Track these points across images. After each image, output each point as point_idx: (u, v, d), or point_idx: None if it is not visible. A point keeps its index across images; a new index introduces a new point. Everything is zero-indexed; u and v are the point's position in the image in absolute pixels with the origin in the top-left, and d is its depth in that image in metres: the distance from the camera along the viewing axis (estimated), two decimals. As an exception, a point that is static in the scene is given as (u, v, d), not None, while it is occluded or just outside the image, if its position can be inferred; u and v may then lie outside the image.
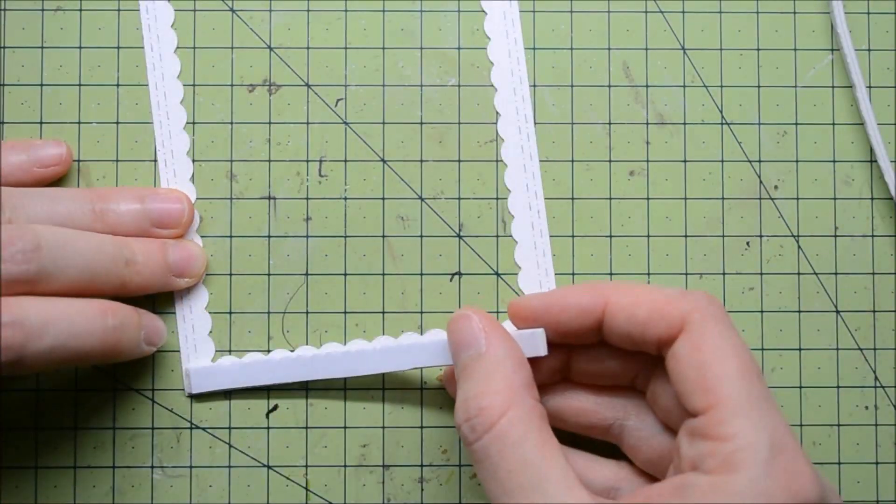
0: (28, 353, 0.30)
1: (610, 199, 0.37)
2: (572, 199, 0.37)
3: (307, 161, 0.37)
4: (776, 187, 0.38)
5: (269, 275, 0.37)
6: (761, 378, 0.28)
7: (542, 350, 0.32)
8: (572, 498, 0.27)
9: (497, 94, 0.37)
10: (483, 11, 0.38)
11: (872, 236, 0.38)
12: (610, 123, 0.38)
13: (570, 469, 0.28)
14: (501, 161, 0.37)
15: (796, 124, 0.38)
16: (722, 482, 0.26)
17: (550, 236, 0.37)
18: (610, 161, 0.38)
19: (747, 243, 0.37)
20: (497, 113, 0.37)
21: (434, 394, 0.37)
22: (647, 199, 0.37)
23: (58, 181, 0.36)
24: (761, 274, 0.37)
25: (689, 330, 0.29)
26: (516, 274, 0.37)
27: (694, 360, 0.28)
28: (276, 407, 0.37)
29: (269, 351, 0.37)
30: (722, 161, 0.38)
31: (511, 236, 0.37)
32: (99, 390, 0.36)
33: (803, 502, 0.26)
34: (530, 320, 0.32)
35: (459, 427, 0.29)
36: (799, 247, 0.38)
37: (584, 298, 0.31)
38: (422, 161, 0.37)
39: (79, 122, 0.37)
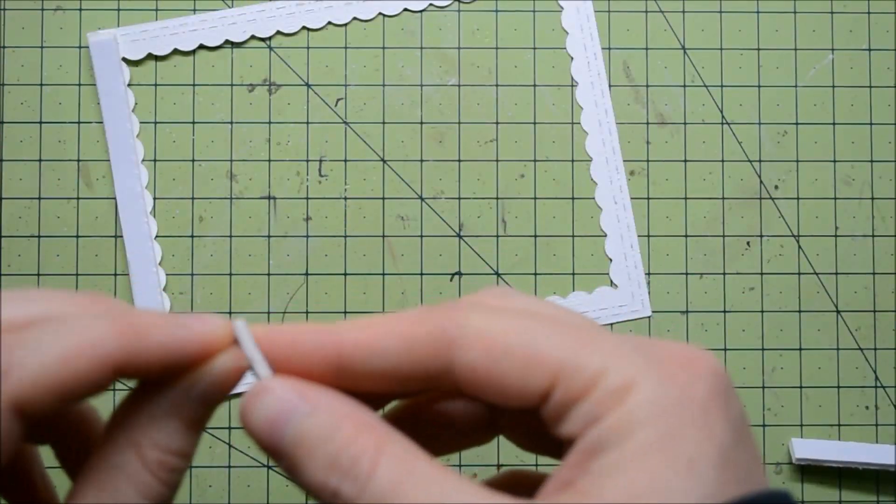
0: None
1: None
2: (572, 198, 0.37)
3: (307, 161, 0.37)
4: (776, 187, 0.38)
5: (269, 275, 0.37)
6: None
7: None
8: (488, 498, 0.20)
9: (498, 95, 0.37)
10: (483, 11, 0.38)
11: (872, 236, 0.38)
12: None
13: (465, 477, 0.21)
14: (501, 160, 0.37)
15: (796, 124, 0.38)
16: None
17: (552, 236, 0.37)
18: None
19: (747, 243, 0.37)
20: (497, 113, 0.37)
21: (434, 394, 0.37)
22: (648, 199, 0.37)
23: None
24: (761, 274, 0.37)
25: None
26: (516, 274, 0.37)
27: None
28: (276, 407, 0.37)
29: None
30: (722, 161, 0.38)
31: (510, 235, 0.37)
32: (99, 390, 0.36)
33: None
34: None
35: (336, 492, 0.21)
36: (799, 247, 0.38)
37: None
38: (422, 161, 0.37)
39: (79, 122, 0.37)
